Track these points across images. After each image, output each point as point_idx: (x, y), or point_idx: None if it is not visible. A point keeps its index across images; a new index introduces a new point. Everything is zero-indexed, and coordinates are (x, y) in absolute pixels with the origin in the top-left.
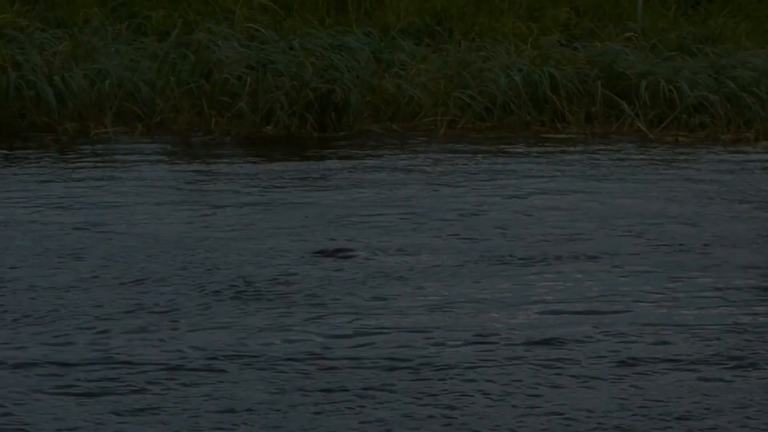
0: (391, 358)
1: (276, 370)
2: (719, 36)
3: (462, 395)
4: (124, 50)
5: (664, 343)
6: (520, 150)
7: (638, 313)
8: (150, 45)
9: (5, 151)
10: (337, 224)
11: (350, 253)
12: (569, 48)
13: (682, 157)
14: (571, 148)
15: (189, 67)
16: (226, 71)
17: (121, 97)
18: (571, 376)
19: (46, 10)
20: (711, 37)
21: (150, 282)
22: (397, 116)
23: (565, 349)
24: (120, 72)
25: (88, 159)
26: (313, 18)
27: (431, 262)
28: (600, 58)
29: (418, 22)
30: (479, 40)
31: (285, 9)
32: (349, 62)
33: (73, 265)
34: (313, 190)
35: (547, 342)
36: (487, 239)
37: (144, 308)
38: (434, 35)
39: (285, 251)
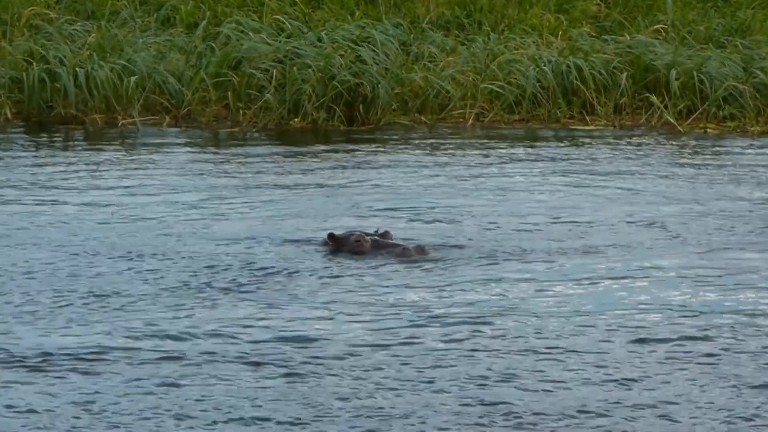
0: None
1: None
2: (748, 28)
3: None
4: (152, 42)
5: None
6: (548, 141)
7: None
8: (178, 37)
9: (32, 143)
10: (356, 212)
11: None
12: (598, 40)
13: (710, 150)
14: (599, 140)
15: (217, 59)
16: (254, 64)
17: (149, 89)
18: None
19: (74, 2)
20: (740, 29)
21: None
22: (426, 108)
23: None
24: (148, 64)
25: (114, 151)
26: (342, 10)
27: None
28: (628, 50)
29: (447, 14)
30: (508, 32)
31: (315, 0)
32: (377, 55)
33: (82, 254)
34: (335, 179)
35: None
36: (499, 232)
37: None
38: (463, 27)
39: (298, 237)
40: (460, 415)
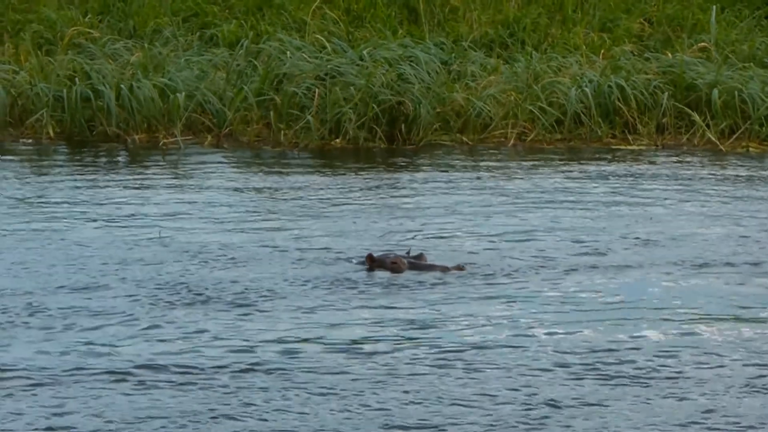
0: None
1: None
2: None
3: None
4: (195, 60)
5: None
6: (589, 161)
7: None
8: (219, 55)
9: (74, 162)
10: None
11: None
12: (641, 59)
13: (753, 169)
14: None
15: (259, 78)
16: (295, 84)
17: (191, 108)
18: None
19: (118, 21)
20: None
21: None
22: (467, 128)
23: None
24: (190, 83)
25: (156, 171)
26: (385, 29)
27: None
28: (670, 69)
29: (490, 33)
30: (551, 51)
31: (358, 20)
32: (419, 74)
33: (124, 274)
34: (375, 198)
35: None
36: (541, 252)
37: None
38: (506, 46)
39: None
40: None
